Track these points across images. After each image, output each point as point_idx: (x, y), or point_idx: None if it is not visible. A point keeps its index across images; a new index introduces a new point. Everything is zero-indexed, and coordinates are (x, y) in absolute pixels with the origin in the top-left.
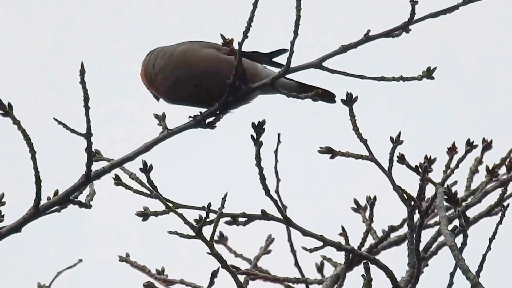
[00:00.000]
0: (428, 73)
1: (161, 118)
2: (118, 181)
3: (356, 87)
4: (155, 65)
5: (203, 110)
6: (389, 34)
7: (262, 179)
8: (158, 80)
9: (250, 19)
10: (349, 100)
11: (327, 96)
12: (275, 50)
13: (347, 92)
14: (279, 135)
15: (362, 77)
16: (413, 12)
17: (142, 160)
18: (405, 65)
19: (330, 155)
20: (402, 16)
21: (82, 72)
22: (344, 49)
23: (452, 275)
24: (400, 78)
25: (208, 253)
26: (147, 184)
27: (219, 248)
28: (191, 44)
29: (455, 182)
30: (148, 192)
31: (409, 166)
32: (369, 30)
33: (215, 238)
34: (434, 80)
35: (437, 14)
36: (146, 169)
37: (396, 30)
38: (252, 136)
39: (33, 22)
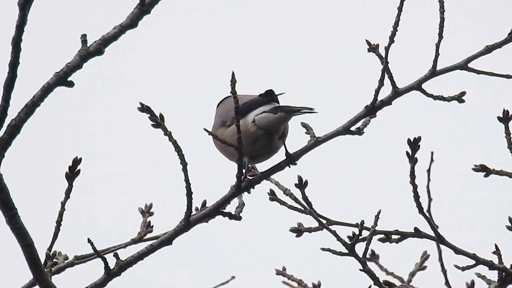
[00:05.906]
0: None
1: (308, 127)
2: (273, 196)
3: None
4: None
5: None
6: None
7: (416, 196)
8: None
9: (396, 24)
10: (505, 118)
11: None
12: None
13: (503, 109)
14: (432, 153)
15: (508, 76)
16: None
17: (298, 176)
18: None
19: (485, 173)
20: None
21: (233, 82)
22: (489, 49)
23: None
24: None
25: (360, 270)
26: (301, 200)
27: (370, 266)
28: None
29: None
30: (302, 208)
31: None
32: None
33: (367, 256)
34: None
35: None
36: (301, 184)
37: None
38: (407, 152)
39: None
